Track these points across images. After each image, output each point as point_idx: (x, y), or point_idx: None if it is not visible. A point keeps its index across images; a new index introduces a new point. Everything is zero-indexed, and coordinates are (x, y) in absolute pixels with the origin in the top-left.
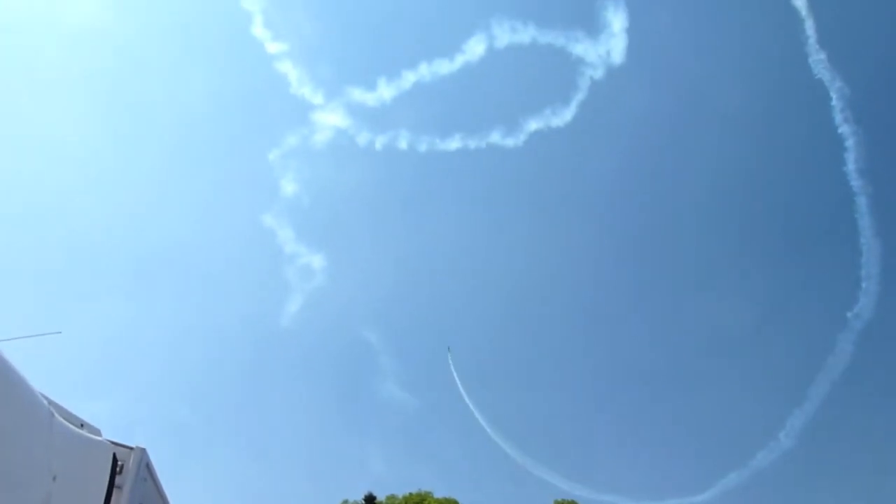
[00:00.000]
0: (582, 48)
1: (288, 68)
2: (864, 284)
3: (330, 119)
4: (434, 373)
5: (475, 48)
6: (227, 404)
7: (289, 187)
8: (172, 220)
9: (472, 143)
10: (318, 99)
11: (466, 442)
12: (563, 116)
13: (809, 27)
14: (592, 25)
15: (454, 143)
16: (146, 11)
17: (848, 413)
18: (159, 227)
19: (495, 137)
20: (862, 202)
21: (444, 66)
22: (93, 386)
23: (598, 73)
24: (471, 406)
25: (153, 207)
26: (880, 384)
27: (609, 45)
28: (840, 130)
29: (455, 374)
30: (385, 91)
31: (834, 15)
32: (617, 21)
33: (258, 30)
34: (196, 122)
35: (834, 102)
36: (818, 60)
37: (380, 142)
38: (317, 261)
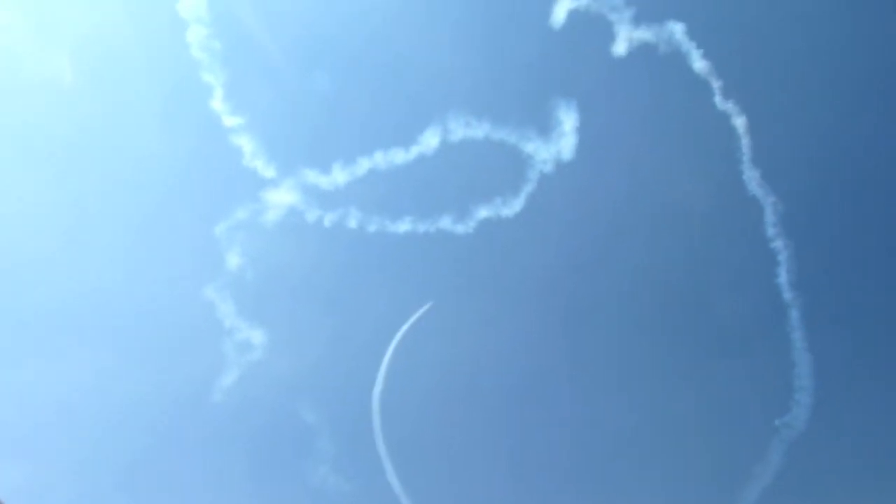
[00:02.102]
0: (533, 146)
1: (244, 142)
2: (796, 396)
3: (281, 196)
4: (372, 458)
5: (430, 140)
6: (147, 478)
7: (234, 261)
8: (107, 283)
9: (422, 227)
10: (270, 173)
11: None
12: (513, 206)
13: (745, 145)
14: (545, 123)
15: (404, 226)
16: (105, 76)
17: None
18: (91, 289)
19: (445, 223)
20: (794, 315)
21: (399, 156)
22: None
23: (548, 168)
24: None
25: (87, 268)
26: (812, 495)
27: (560, 143)
28: (773, 245)
29: (383, 448)
30: (339, 175)
31: (769, 133)
32: (568, 121)
33: (217, 103)
34: (143, 189)
35: (767, 217)
36: (752, 177)
37: (329, 219)
38: (256, 336)
